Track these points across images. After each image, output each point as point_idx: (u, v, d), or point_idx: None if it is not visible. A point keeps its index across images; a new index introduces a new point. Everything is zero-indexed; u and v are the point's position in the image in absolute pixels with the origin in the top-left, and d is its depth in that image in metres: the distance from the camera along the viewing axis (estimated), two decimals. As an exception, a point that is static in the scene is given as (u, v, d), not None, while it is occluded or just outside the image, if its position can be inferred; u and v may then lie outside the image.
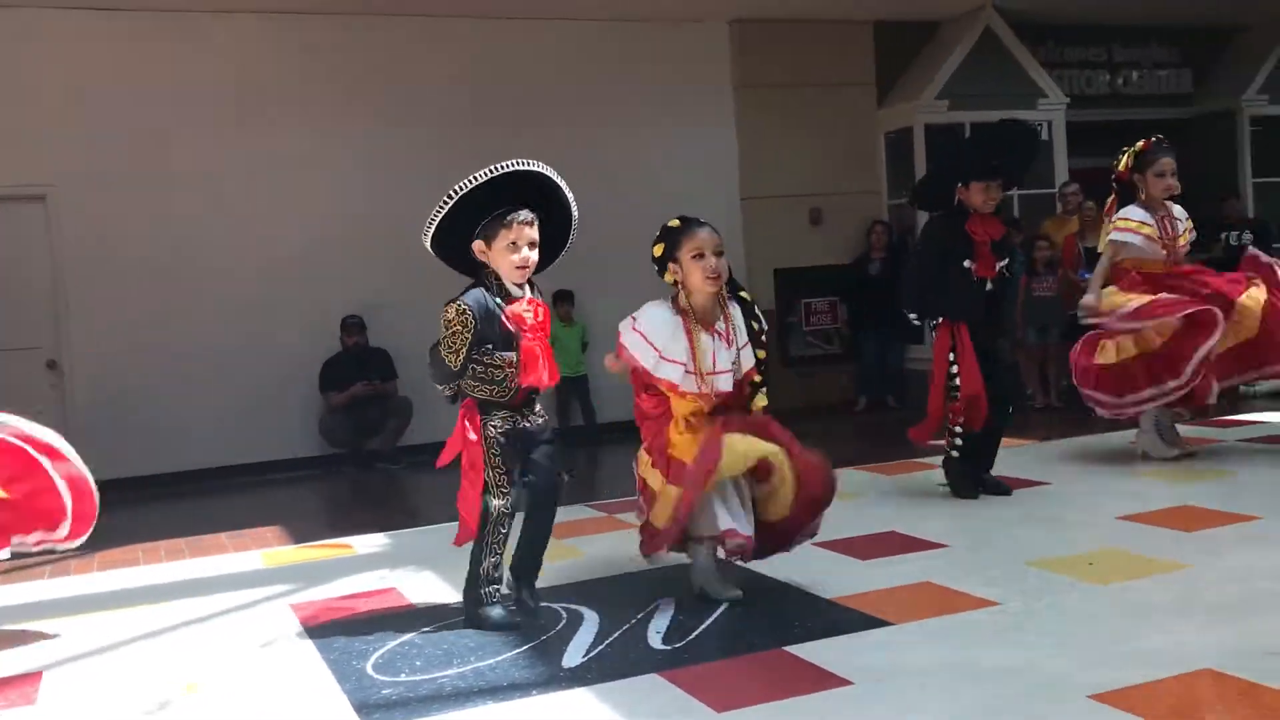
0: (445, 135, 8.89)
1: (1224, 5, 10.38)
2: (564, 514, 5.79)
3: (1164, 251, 5.84)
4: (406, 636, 3.82)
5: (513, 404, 3.83)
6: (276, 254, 8.58)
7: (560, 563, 4.73)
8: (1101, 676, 2.97)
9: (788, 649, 3.40)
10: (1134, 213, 5.88)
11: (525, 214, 3.74)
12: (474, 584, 3.86)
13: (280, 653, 3.78)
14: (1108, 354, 5.90)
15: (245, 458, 8.44)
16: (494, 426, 3.80)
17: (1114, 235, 5.89)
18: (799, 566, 4.34)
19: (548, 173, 3.81)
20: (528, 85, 9.23)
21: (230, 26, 8.49)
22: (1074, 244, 8.99)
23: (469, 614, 3.87)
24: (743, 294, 4.02)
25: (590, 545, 5.07)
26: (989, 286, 5.33)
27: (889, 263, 9.73)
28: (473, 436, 3.79)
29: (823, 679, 3.13)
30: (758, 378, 3.96)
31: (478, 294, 3.76)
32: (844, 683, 3.09)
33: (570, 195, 3.91)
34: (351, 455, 8.49)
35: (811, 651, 3.36)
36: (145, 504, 7.46)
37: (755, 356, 3.95)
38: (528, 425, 3.87)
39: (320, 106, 8.71)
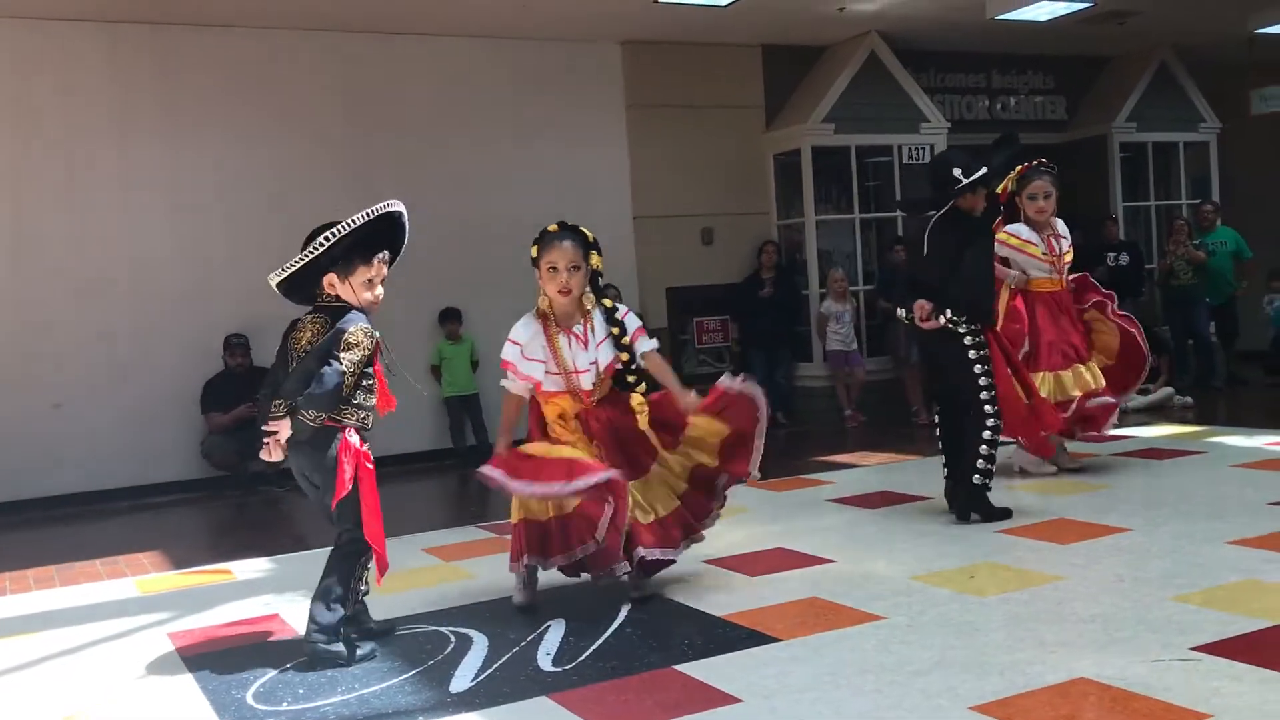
0: (329, 150, 8.75)
1: (1095, 37, 10.80)
2: (453, 535, 5.75)
3: (1053, 269, 6.12)
4: (290, 664, 3.73)
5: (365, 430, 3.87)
6: (153, 271, 8.31)
7: (449, 585, 4.67)
8: (982, 687, 3.05)
9: (677, 668, 3.41)
10: (1020, 230, 6.14)
11: (385, 253, 3.84)
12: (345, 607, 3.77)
13: (157, 683, 3.66)
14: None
15: (121, 481, 8.13)
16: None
17: (996, 249, 6.02)
18: (688, 584, 4.37)
19: (401, 209, 3.87)
20: (416, 102, 9.14)
21: (104, 35, 8.21)
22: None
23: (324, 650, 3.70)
24: (605, 301, 4.20)
25: (480, 567, 5.02)
26: None
27: (778, 282, 9.88)
28: (370, 465, 3.78)
29: (712, 697, 3.14)
30: (631, 378, 4.13)
31: (367, 319, 3.80)
32: (733, 700, 3.11)
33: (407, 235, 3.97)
34: (234, 478, 8.26)
35: (701, 670, 3.37)
36: (12, 531, 7.16)
37: (618, 357, 4.11)
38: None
39: (198, 119, 8.47)
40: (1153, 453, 6.76)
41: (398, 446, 8.45)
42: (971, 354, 5.18)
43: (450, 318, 9.05)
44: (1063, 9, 9.33)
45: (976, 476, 5.22)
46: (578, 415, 4.09)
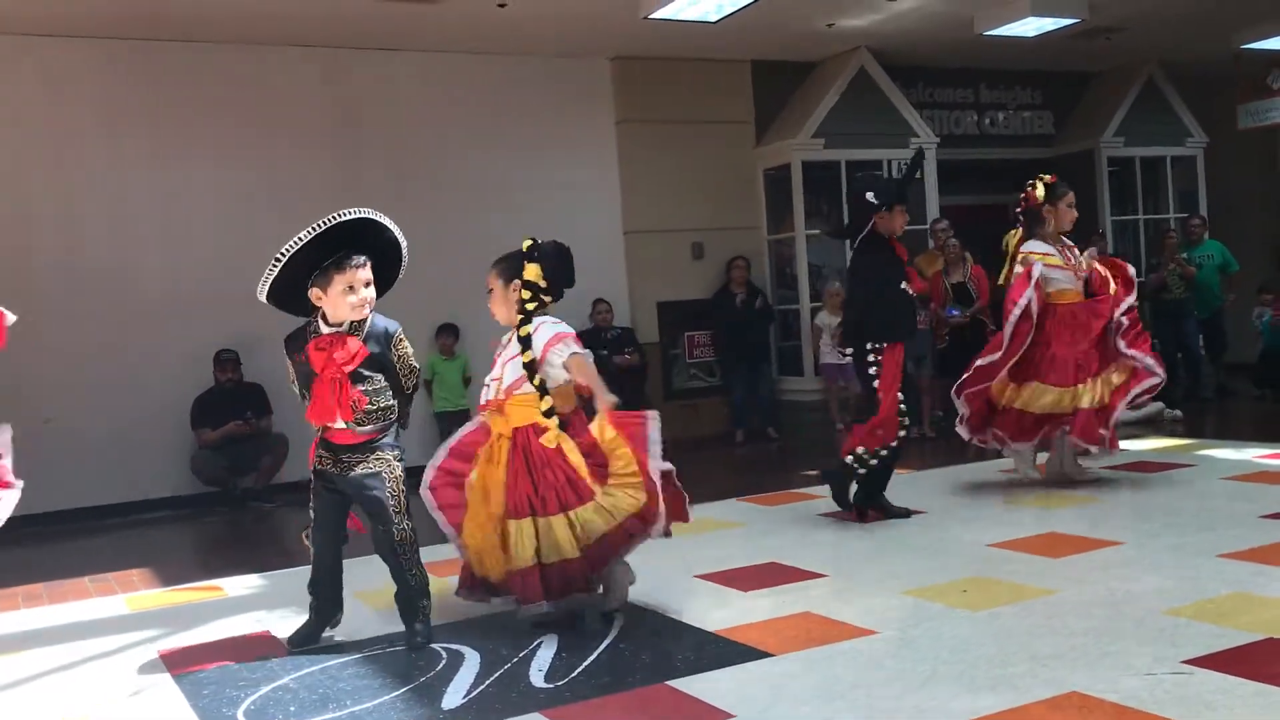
0: (320, 166, 8.74)
1: (1082, 52, 10.86)
2: (445, 551, 5.73)
3: (1076, 278, 6.10)
4: (280, 681, 3.71)
5: (327, 443, 3.96)
6: (143, 286, 8.29)
7: (441, 601, 4.65)
8: (974, 702, 3.05)
9: (670, 683, 3.40)
10: (1036, 245, 6.13)
11: (358, 258, 3.89)
12: None
13: (147, 701, 3.64)
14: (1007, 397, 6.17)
15: (111, 498, 8.09)
16: (315, 462, 4.01)
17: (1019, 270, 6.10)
18: (681, 599, 4.36)
19: (376, 217, 3.94)
20: (408, 117, 9.15)
21: (91, 53, 8.19)
22: (940, 280, 9.27)
23: None
24: (529, 311, 4.15)
25: (472, 582, 4.99)
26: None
27: (754, 297, 9.90)
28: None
29: (705, 713, 3.14)
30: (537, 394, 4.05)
31: (297, 331, 3.98)
32: (726, 716, 3.10)
33: (399, 232, 4.05)
34: (224, 494, 8.23)
35: (694, 685, 3.37)
36: (0, 548, 7.10)
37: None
38: (332, 470, 3.97)
39: (188, 135, 8.46)
40: (1143, 466, 6.78)
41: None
42: (871, 370, 5.56)
43: (446, 333, 9.05)
44: (1050, 25, 9.39)
45: (850, 458, 5.59)
46: (510, 435, 4.04)
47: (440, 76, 9.28)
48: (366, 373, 3.92)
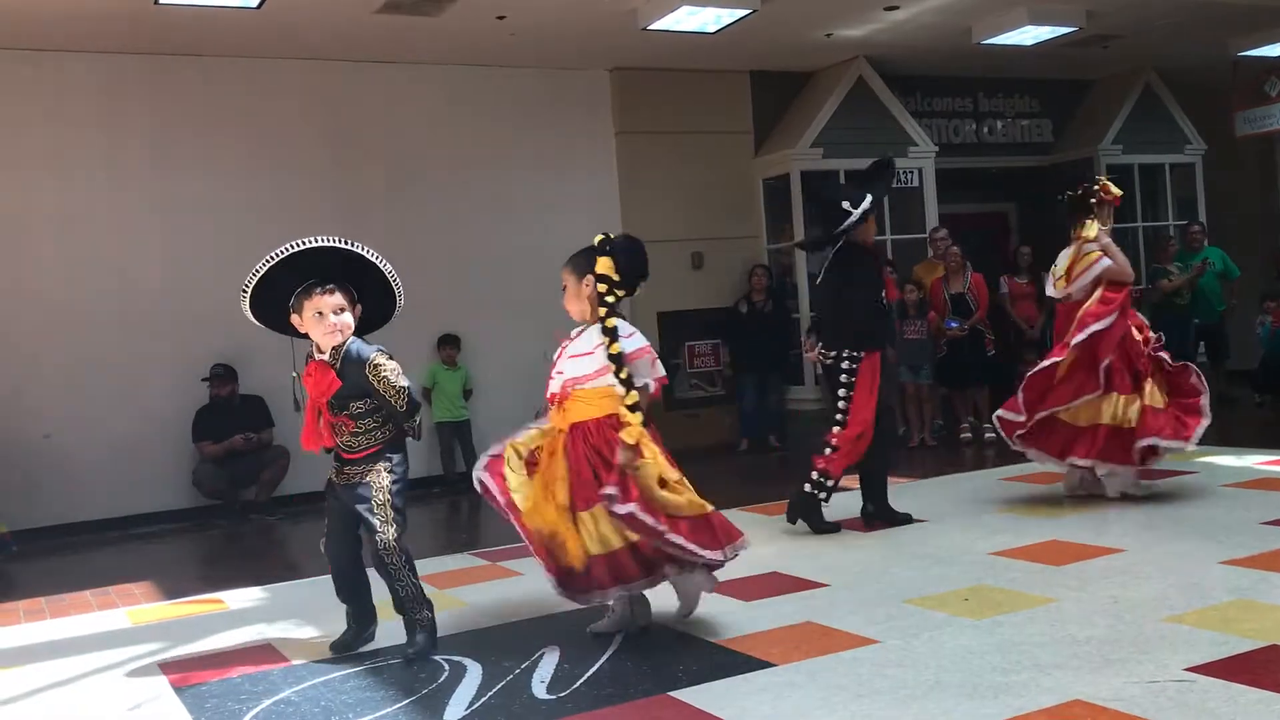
0: (320, 179, 8.76)
1: (1080, 60, 10.88)
2: (447, 563, 5.74)
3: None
4: (282, 694, 3.71)
5: (337, 455, 4.08)
6: (143, 300, 8.29)
7: (443, 613, 4.64)
8: (977, 710, 3.04)
9: (672, 694, 3.40)
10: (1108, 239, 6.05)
11: (325, 285, 3.94)
12: None
13: (149, 714, 3.63)
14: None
15: (111, 511, 8.08)
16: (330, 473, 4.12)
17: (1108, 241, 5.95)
18: (683, 610, 4.35)
19: (354, 249, 3.96)
20: (408, 130, 9.17)
21: (96, 65, 8.23)
22: (940, 290, 9.29)
23: None
24: (607, 321, 3.97)
25: (474, 594, 5.00)
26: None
27: (769, 304, 9.90)
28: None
29: (707, 723, 3.13)
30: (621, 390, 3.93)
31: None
32: (728, 726, 3.10)
33: (380, 261, 4.04)
34: (225, 507, 8.23)
35: (695, 696, 3.36)
36: (1, 563, 7.10)
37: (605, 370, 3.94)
38: (336, 480, 4.08)
39: (183, 150, 8.47)
40: (1144, 473, 6.74)
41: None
42: (843, 378, 5.58)
43: (448, 343, 9.07)
44: (1047, 33, 9.41)
45: (807, 485, 5.64)
46: (566, 430, 3.96)
47: (439, 89, 9.30)
48: (351, 399, 3.95)
